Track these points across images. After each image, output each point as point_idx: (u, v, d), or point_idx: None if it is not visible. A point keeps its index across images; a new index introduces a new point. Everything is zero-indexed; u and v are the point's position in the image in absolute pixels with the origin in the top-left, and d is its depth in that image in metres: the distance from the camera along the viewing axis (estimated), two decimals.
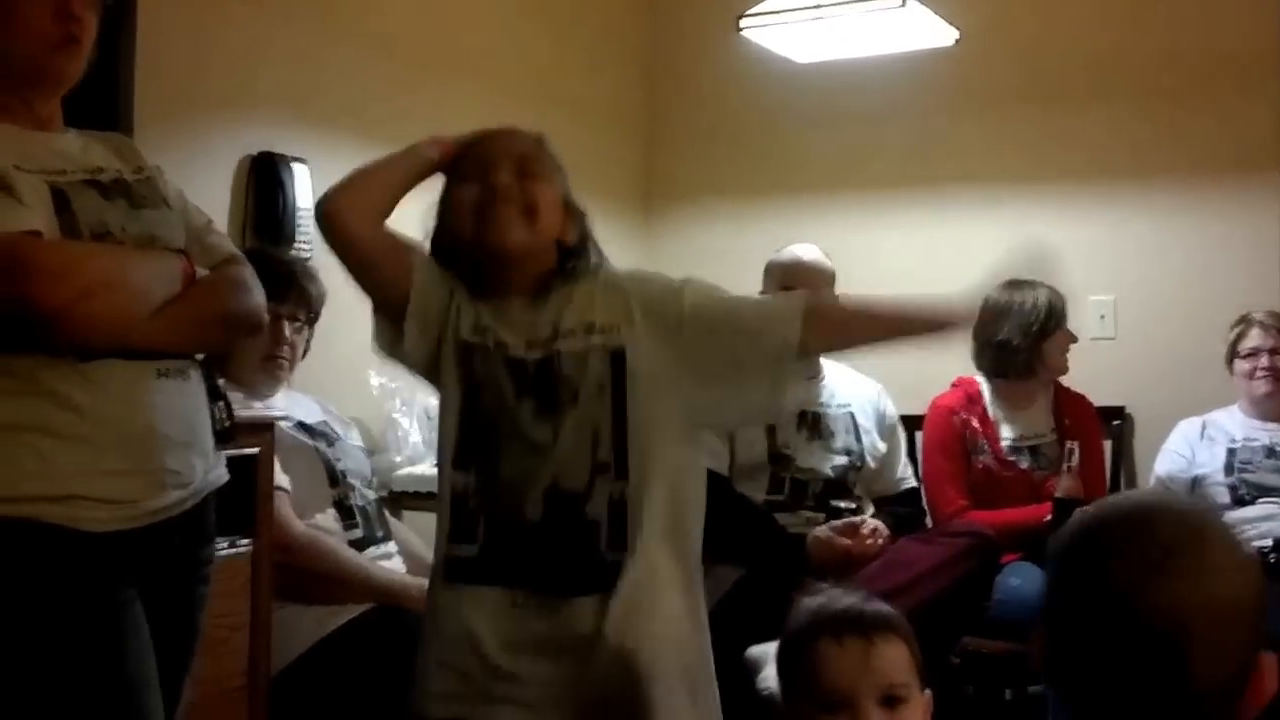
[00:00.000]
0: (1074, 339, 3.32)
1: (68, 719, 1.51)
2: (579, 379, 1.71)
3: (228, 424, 1.75)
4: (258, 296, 1.75)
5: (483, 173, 1.75)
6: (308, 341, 2.75)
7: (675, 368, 1.74)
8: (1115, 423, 3.62)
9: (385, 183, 1.77)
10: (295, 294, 2.64)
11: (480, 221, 1.73)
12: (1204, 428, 3.38)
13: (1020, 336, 3.26)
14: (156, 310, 1.60)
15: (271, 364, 2.62)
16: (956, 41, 3.37)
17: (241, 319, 1.73)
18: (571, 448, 1.70)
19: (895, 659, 1.48)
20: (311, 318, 2.73)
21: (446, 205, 1.78)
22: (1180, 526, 1.08)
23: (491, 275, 1.76)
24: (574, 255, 1.79)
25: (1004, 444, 3.28)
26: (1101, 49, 3.76)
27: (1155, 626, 1.02)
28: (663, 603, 1.71)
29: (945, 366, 3.39)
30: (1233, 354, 3.39)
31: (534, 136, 1.82)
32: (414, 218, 1.83)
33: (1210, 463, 3.30)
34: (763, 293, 3.18)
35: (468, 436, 1.74)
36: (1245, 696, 1.06)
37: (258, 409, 2.44)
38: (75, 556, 1.52)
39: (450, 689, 1.71)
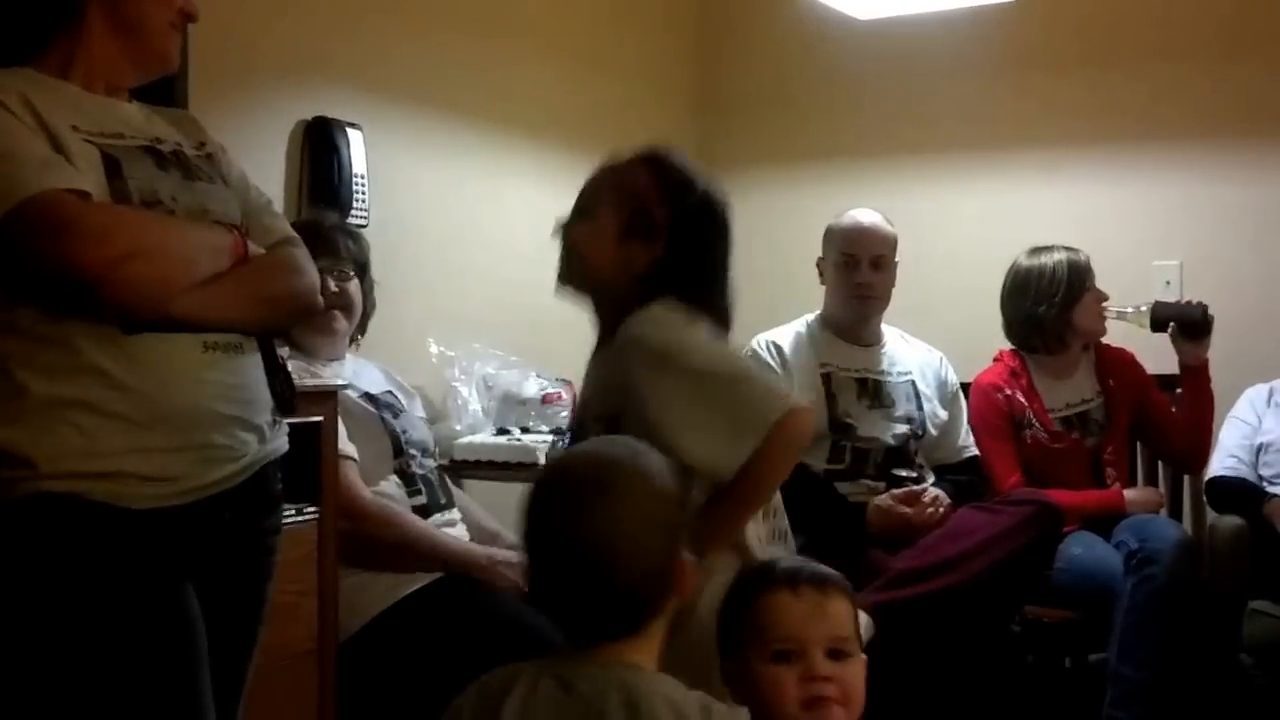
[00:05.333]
0: (1105, 298, 3.24)
1: (100, 695, 1.49)
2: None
3: (288, 396, 1.73)
4: (309, 279, 1.73)
5: None
6: (368, 296, 2.72)
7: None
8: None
9: None
10: (324, 247, 2.55)
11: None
12: (1271, 394, 3.30)
13: (1045, 308, 3.19)
14: (202, 283, 1.57)
15: (324, 320, 2.56)
16: None
17: (290, 299, 1.71)
18: None
19: (843, 613, 1.55)
20: (358, 269, 2.70)
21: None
22: (599, 468, 1.43)
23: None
24: (654, 280, 1.91)
25: (1051, 415, 3.21)
26: (1164, 6, 3.67)
27: (584, 552, 1.38)
28: None
29: (1000, 334, 3.34)
30: None
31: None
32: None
33: (1276, 429, 3.22)
34: (822, 259, 3.16)
35: None
36: (673, 589, 1.42)
37: (323, 378, 2.43)
38: (119, 534, 1.51)
39: None
